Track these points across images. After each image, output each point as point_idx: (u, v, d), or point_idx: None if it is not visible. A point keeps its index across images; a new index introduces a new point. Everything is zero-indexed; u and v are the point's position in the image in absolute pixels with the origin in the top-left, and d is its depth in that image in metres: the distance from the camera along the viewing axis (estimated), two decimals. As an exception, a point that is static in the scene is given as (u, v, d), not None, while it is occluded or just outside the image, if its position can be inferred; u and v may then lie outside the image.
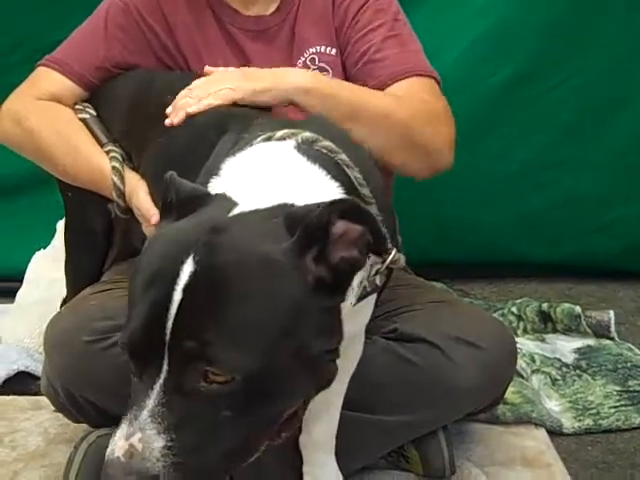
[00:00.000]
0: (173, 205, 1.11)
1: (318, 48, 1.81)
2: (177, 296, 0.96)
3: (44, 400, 1.73)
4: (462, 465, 1.74)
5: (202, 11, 1.80)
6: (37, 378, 1.96)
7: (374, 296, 1.31)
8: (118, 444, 0.95)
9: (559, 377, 2.20)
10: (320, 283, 1.02)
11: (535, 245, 2.79)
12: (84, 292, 1.73)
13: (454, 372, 1.60)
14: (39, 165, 1.80)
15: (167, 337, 0.95)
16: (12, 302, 2.39)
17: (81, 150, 1.71)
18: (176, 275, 0.96)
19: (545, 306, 2.52)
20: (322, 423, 1.54)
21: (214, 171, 1.22)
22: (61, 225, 2.11)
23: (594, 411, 2.04)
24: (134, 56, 1.80)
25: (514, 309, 2.53)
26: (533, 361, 2.26)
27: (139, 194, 1.61)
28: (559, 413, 2.02)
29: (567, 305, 2.51)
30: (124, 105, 1.73)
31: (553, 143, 2.70)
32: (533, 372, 2.20)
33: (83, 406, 1.58)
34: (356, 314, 1.24)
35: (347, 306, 1.12)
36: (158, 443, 0.94)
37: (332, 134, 1.28)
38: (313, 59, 1.81)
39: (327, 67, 1.80)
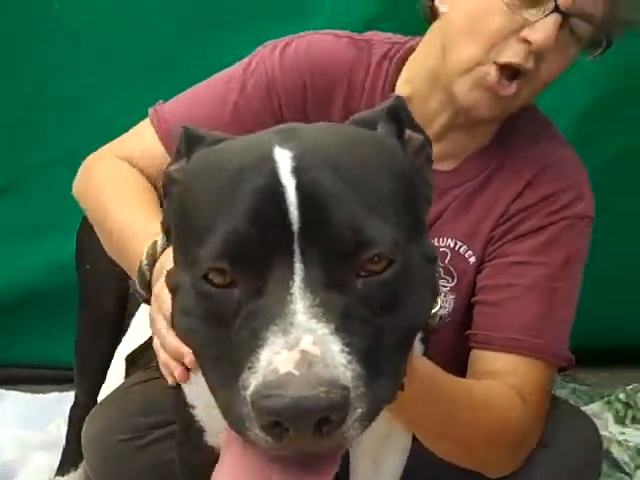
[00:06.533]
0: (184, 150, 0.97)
1: (459, 244, 1.43)
2: (288, 180, 0.77)
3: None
4: None
5: None
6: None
7: None
8: (280, 358, 0.70)
9: (670, 473, 1.94)
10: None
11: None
12: (130, 380, 1.65)
13: (521, 475, 1.38)
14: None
15: (295, 227, 0.76)
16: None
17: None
18: (271, 162, 0.79)
19: (659, 391, 2.27)
20: None
21: None
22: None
23: None
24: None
25: (622, 396, 2.29)
26: (639, 455, 2.00)
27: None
28: (663, 515, 1.77)
29: (685, 390, 2.25)
30: None
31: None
32: (638, 467, 1.96)
33: None
34: None
35: None
36: (336, 346, 0.72)
37: None
38: (445, 253, 1.44)
39: (454, 273, 1.44)
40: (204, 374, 0.85)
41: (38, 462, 2.06)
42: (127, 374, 1.93)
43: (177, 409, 1.25)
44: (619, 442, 2.04)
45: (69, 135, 2.34)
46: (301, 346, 0.71)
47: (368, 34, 1.52)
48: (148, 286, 1.24)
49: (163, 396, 1.22)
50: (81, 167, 1.55)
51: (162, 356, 1.13)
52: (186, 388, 1.17)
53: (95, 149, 1.57)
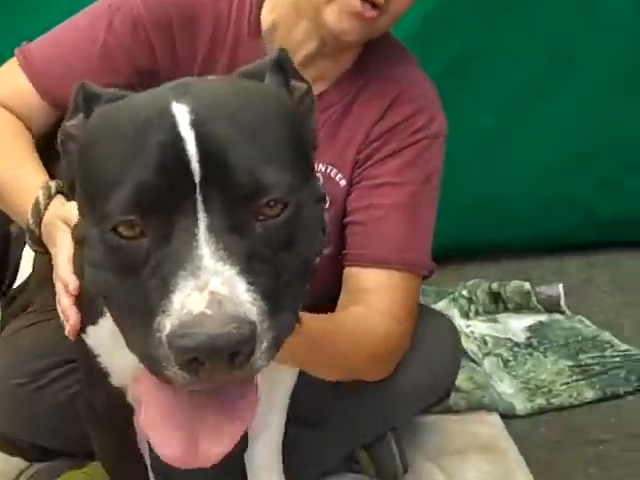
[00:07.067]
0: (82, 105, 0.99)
1: (329, 168, 1.50)
2: (187, 134, 0.83)
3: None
4: (415, 460, 1.74)
5: None
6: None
7: None
8: (192, 300, 0.76)
9: (511, 358, 2.20)
10: None
11: (482, 225, 2.76)
12: (14, 325, 1.66)
13: (393, 377, 1.52)
14: None
15: (196, 177, 0.82)
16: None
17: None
18: (170, 117, 0.84)
19: (495, 286, 2.50)
20: (263, 442, 1.49)
21: None
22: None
23: (546, 389, 2.04)
24: (117, 79, 1.43)
25: (465, 292, 2.51)
26: (485, 344, 2.25)
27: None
28: (511, 395, 2.02)
29: (516, 282, 2.50)
30: None
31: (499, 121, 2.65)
32: (485, 355, 2.19)
33: (21, 445, 1.52)
34: None
35: None
36: (242, 285, 0.78)
37: None
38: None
39: (327, 196, 1.47)
40: (117, 321, 0.91)
41: None
42: (3, 320, 1.94)
43: (79, 355, 1.29)
44: (466, 334, 2.27)
45: None
46: (210, 287, 0.76)
47: None
48: (39, 241, 1.28)
49: (57, 337, 1.24)
50: None
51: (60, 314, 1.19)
52: (87, 338, 1.21)
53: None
